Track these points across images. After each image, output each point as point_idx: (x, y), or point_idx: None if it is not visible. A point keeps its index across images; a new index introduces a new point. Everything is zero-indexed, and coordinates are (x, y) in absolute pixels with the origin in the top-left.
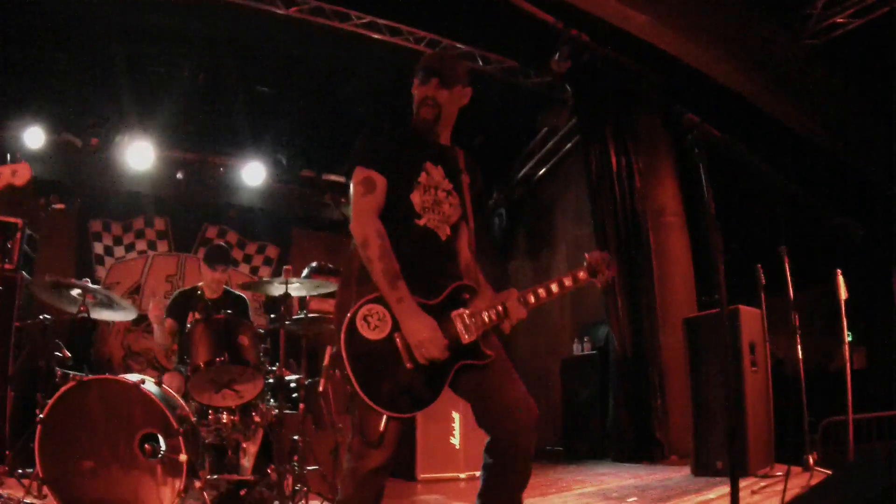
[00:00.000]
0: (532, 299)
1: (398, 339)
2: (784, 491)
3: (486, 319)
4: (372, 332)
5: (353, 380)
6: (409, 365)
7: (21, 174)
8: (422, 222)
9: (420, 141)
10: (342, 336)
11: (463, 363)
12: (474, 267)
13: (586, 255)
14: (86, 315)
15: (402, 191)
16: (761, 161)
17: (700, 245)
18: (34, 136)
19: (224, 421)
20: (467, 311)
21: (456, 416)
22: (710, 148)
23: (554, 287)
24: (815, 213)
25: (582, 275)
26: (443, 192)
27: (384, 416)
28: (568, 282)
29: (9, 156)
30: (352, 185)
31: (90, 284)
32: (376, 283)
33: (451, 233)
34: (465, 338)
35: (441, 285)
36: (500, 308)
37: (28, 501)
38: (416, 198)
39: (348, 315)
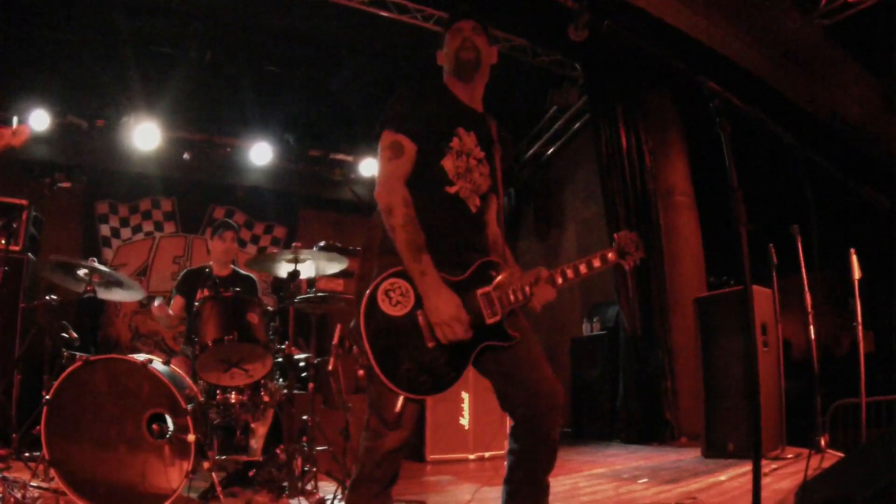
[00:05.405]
0: (560, 279)
1: (420, 317)
2: (806, 472)
3: (513, 299)
4: (393, 307)
5: (371, 358)
6: (430, 344)
7: (20, 134)
8: (453, 190)
9: (454, 104)
10: (362, 311)
11: (486, 344)
12: (503, 242)
13: (616, 235)
14: (93, 294)
15: (433, 156)
16: (784, 133)
17: (710, 225)
18: (39, 119)
19: (233, 401)
20: (493, 290)
21: (465, 396)
22: (731, 118)
23: (582, 267)
24: (835, 188)
25: (611, 255)
26: (474, 160)
27: (401, 397)
28: (597, 262)
29: (15, 119)
30: (379, 149)
31: (96, 264)
32: (399, 255)
33: (480, 204)
34: (490, 318)
35: (468, 260)
36: (527, 288)
37: (35, 484)
38: (448, 164)
39: (369, 289)
